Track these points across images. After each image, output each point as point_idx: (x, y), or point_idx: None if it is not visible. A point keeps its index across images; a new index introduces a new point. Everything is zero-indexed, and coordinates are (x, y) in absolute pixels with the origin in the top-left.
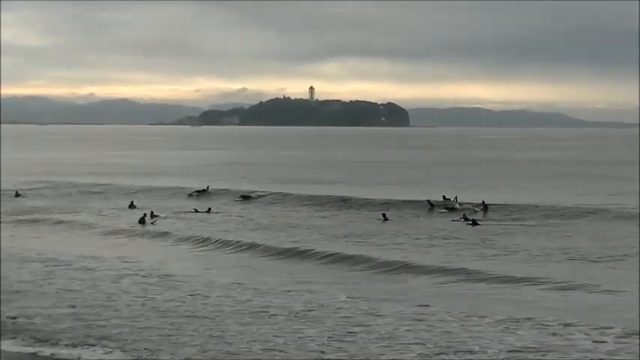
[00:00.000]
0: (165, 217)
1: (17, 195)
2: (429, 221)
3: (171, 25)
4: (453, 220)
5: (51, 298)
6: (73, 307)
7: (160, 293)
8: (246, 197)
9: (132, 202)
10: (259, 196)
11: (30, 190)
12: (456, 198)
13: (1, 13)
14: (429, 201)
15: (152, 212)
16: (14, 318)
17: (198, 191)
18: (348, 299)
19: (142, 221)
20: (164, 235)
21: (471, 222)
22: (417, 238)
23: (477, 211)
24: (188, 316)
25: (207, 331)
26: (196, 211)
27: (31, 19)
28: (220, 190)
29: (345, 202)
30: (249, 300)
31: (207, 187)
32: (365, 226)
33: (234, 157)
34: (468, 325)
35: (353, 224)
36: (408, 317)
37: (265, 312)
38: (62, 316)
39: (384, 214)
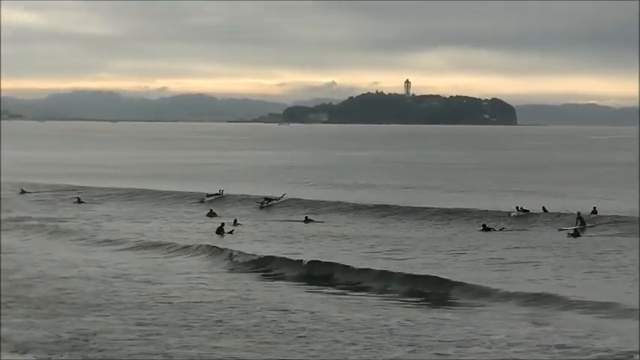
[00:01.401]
0: (243, 225)
1: (79, 201)
2: (529, 231)
3: (250, 10)
4: (560, 230)
5: (116, 313)
6: (141, 324)
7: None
8: (268, 199)
9: (211, 210)
10: (282, 200)
11: (96, 195)
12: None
13: None
14: (517, 207)
15: (235, 220)
16: (72, 334)
17: (210, 195)
18: (450, 319)
19: (219, 231)
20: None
21: (572, 232)
22: (521, 252)
23: (565, 211)
24: (274, 333)
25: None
26: (307, 219)
27: (95, 4)
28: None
29: (447, 213)
30: (331, 316)
31: (221, 191)
32: (464, 236)
33: (343, 161)
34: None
35: (455, 236)
36: (521, 337)
37: (353, 329)
38: (127, 333)
39: (484, 225)
